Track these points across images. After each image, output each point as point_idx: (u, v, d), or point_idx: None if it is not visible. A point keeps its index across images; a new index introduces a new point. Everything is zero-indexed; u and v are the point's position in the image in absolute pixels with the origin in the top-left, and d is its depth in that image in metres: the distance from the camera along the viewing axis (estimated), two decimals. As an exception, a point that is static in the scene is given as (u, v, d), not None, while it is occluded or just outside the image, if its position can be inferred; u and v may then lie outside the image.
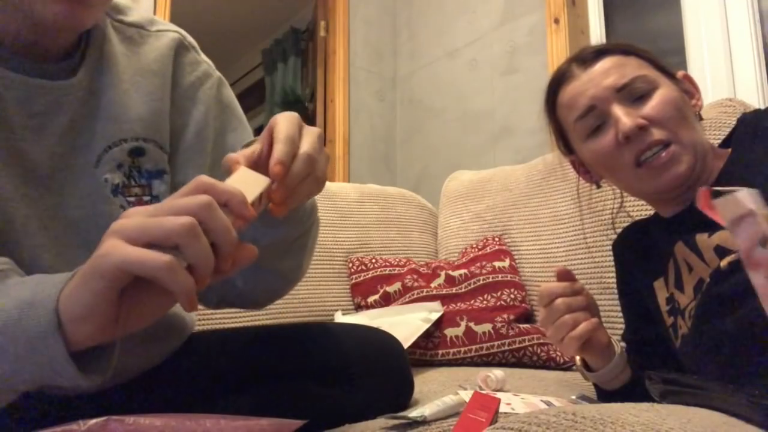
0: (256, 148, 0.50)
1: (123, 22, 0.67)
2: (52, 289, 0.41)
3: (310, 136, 0.51)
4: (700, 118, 0.74)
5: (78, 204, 0.60)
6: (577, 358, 0.77)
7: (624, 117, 0.68)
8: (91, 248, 0.59)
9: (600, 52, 0.74)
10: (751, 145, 0.67)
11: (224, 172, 0.49)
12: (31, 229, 0.57)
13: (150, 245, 0.39)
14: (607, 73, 0.71)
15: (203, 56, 0.74)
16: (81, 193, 0.60)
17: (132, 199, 0.63)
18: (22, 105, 0.56)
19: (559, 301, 0.69)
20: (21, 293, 0.42)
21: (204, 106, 0.72)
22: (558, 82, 0.77)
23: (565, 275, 0.72)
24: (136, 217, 0.40)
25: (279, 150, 0.48)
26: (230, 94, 0.77)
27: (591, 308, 0.72)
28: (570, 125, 0.76)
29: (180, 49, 0.71)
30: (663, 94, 0.69)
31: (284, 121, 0.51)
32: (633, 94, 0.69)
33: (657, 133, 0.67)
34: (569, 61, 0.77)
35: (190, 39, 0.73)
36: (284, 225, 0.63)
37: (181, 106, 0.70)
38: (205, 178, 0.42)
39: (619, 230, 0.88)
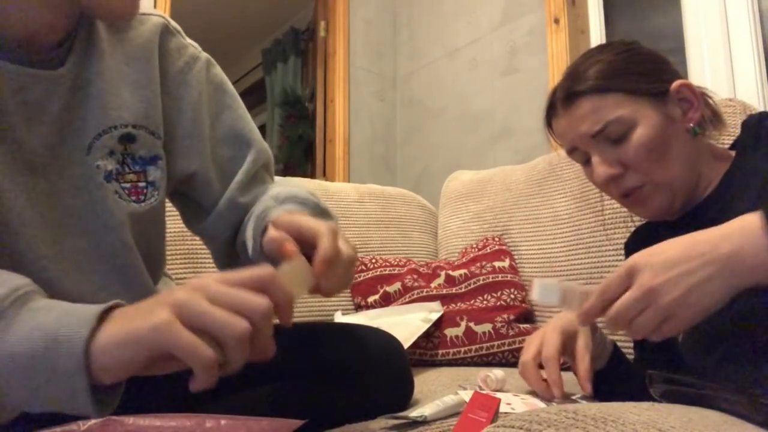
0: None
1: None
2: (80, 329, 0.42)
3: (344, 241, 0.55)
4: (696, 131, 0.71)
5: (73, 192, 0.60)
6: None
7: (598, 167, 0.71)
8: (88, 235, 0.60)
9: (577, 93, 0.72)
10: (754, 148, 0.67)
11: (272, 251, 0.52)
12: (28, 217, 0.57)
13: (200, 332, 0.40)
14: (582, 119, 0.71)
15: (188, 39, 0.74)
16: (75, 181, 0.61)
17: (127, 185, 0.64)
18: (17, 94, 0.56)
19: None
20: (46, 324, 0.43)
21: (196, 91, 0.72)
22: (550, 111, 0.79)
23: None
24: (198, 295, 0.41)
25: (325, 248, 0.51)
26: (220, 73, 0.77)
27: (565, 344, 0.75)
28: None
29: (165, 34, 0.71)
30: (639, 136, 0.68)
31: (322, 226, 0.53)
32: (609, 137, 0.70)
33: (631, 179, 0.70)
34: (560, 86, 0.76)
35: (173, 23, 0.73)
36: None
37: (173, 92, 0.71)
38: (271, 275, 0.44)
39: (638, 222, 0.89)
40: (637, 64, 0.72)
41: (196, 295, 0.42)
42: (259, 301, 0.42)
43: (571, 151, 0.76)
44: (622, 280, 0.50)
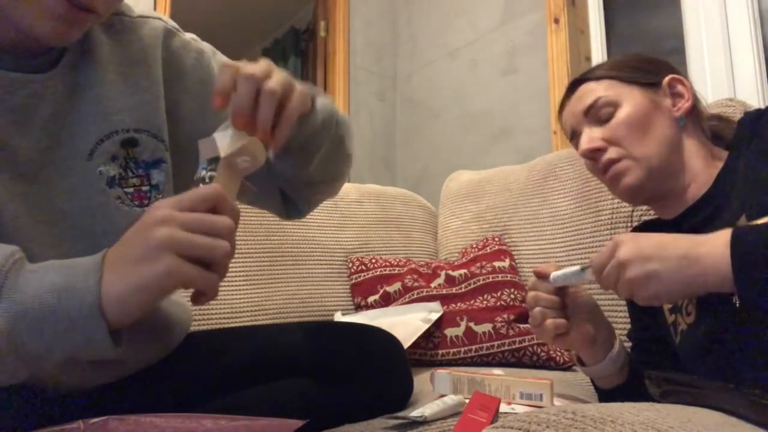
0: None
1: None
2: (89, 277, 0.46)
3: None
4: (683, 121, 0.74)
5: (68, 197, 0.60)
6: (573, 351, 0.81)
7: (583, 142, 0.76)
8: (86, 240, 0.60)
9: (580, 81, 0.81)
10: (748, 145, 0.67)
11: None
12: (23, 223, 0.56)
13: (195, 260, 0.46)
14: (579, 100, 0.79)
15: (186, 35, 0.74)
16: (70, 186, 0.60)
17: (130, 189, 0.64)
18: (2, 100, 0.56)
19: (534, 307, 0.75)
20: (52, 280, 0.46)
21: (211, 84, 0.71)
22: (561, 107, 0.85)
23: (538, 273, 0.77)
24: (177, 228, 0.46)
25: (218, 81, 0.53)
26: (225, 57, 0.77)
27: (576, 306, 0.74)
28: None
29: (168, 36, 0.70)
30: (621, 112, 0.74)
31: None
32: (597, 115, 0.77)
33: (611, 152, 0.74)
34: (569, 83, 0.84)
35: (171, 23, 0.73)
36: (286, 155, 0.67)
37: (192, 91, 0.71)
38: (217, 193, 0.49)
39: (635, 224, 0.89)
40: (635, 62, 0.80)
41: (175, 229, 0.45)
42: (224, 221, 0.48)
43: (572, 138, 0.82)
44: (609, 251, 0.61)
